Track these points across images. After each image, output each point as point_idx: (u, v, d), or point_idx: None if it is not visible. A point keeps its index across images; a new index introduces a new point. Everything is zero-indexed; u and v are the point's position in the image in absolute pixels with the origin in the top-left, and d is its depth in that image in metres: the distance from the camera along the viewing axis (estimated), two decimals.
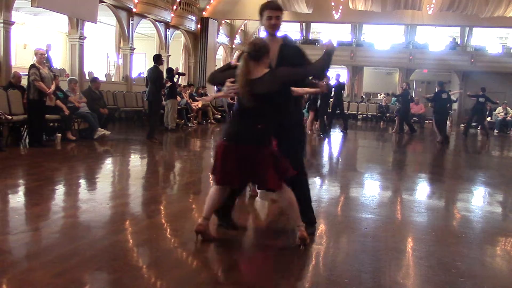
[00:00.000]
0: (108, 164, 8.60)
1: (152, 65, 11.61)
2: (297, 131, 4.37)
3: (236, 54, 4.90)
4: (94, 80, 12.34)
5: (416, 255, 4.27)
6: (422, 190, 7.40)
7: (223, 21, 24.55)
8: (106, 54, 24.21)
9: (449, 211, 5.73)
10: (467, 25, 25.97)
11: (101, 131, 10.88)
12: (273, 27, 4.20)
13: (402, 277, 3.72)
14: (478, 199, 6.95)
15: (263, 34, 31.10)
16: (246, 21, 26.78)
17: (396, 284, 3.52)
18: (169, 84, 13.39)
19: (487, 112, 22.24)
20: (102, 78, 18.34)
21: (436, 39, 27.93)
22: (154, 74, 11.41)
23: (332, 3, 21.14)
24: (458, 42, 27.60)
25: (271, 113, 3.92)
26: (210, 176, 4.06)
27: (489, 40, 28.14)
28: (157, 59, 11.74)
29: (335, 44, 4.19)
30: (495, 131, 21.29)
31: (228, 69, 4.17)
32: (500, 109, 22.08)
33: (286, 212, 4.03)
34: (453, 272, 3.85)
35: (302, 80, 4.48)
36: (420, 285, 3.60)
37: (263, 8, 4.19)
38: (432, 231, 4.94)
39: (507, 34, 28.75)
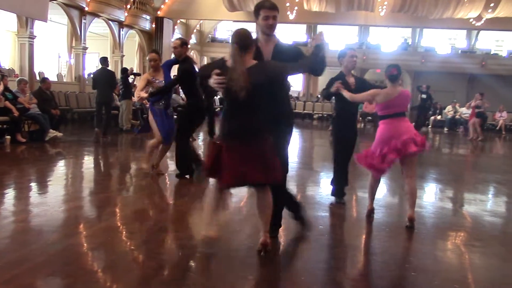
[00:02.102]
0: (60, 167, 8.38)
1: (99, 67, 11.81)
2: (286, 125, 4.22)
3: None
4: (44, 80, 12.03)
5: (371, 252, 4.37)
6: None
7: (178, 21, 24.35)
8: (57, 53, 23.58)
9: (402, 207, 5.87)
10: (417, 26, 26.69)
11: (52, 133, 10.60)
12: (270, 28, 4.05)
13: (357, 273, 3.80)
14: (430, 195, 7.16)
15: (219, 34, 30.96)
16: (201, 21, 26.65)
17: (351, 281, 3.59)
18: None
19: (436, 111, 23.06)
20: (53, 78, 17.88)
21: (389, 39, 28.59)
22: (103, 76, 11.74)
23: (287, 4, 21.30)
24: (410, 43, 28.35)
25: (263, 104, 3.81)
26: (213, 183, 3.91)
27: (439, 41, 29.02)
28: (104, 61, 12.07)
29: (325, 39, 4.17)
30: (445, 129, 22.02)
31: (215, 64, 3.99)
32: (449, 107, 22.80)
33: (258, 213, 3.89)
34: (406, 267, 3.96)
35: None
36: (374, 281, 3.68)
37: (259, 8, 4.04)
38: (386, 228, 5.05)
39: (455, 35, 29.73)
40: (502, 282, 3.79)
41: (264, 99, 3.81)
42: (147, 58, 7.25)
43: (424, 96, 19.14)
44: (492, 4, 20.21)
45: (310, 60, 4.08)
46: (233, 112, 3.82)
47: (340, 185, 5.89)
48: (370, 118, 22.44)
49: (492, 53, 27.56)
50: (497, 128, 23.06)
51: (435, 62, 25.88)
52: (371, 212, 5.32)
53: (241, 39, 3.74)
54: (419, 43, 28.77)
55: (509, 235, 5.28)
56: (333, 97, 5.78)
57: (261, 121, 3.79)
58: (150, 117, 7.04)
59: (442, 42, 29.03)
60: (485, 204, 6.78)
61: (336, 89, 5.38)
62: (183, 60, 6.84)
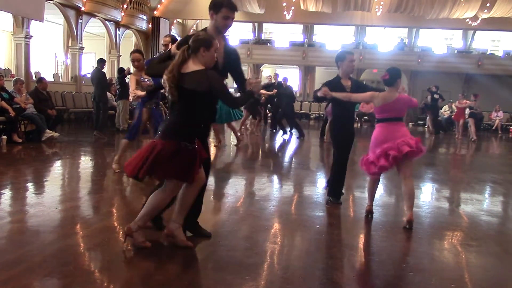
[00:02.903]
0: (57, 167, 8.36)
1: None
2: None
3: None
4: (40, 80, 12.01)
5: (368, 251, 4.37)
6: None
7: (175, 21, 24.33)
8: (54, 53, 23.53)
9: (398, 207, 5.88)
10: (414, 26, 26.75)
11: (49, 133, 10.58)
12: (227, 28, 4.09)
13: (354, 273, 3.80)
14: (426, 195, 7.17)
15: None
16: (198, 21, 26.61)
17: (349, 280, 3.60)
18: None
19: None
20: (50, 78, 17.83)
21: (385, 39, 28.62)
22: (96, 76, 12.34)
23: (284, 4, 21.34)
24: (406, 43, 28.40)
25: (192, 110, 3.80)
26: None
27: (435, 41, 29.07)
28: (99, 62, 12.53)
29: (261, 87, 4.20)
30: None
31: (168, 58, 3.99)
32: (446, 107, 22.85)
33: (178, 202, 3.91)
34: (402, 266, 3.96)
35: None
36: (372, 281, 3.69)
37: (220, 5, 3.98)
38: (383, 227, 5.06)
39: (452, 35, 29.78)
40: (499, 281, 3.80)
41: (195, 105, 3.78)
42: (130, 58, 7.25)
43: (436, 96, 19.15)
44: (488, 4, 20.28)
45: (239, 101, 4.37)
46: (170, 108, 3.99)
47: (339, 186, 5.88)
48: (367, 118, 22.46)
49: (488, 53, 27.64)
50: (493, 128, 23.15)
51: (432, 62, 25.91)
52: (369, 212, 5.32)
53: (192, 41, 3.75)
54: (415, 43, 28.82)
55: (505, 235, 5.29)
56: (325, 100, 5.80)
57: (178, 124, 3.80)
58: (145, 117, 7.07)
59: (438, 42, 29.08)
60: (482, 204, 6.79)
61: (323, 94, 5.39)
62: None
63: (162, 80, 3.80)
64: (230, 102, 4.18)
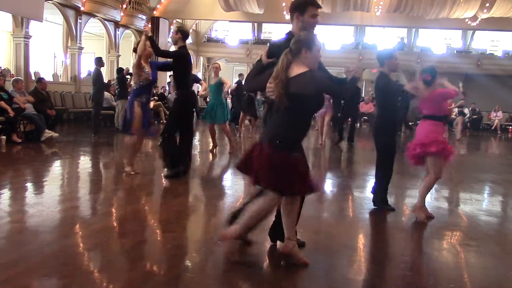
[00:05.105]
0: (56, 167, 8.36)
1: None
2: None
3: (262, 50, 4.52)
4: (40, 80, 12.01)
5: (366, 251, 4.38)
6: (371, 187, 7.55)
7: (174, 21, 24.31)
8: (53, 53, 23.52)
9: (397, 207, 5.88)
10: (413, 26, 26.76)
11: (48, 133, 10.57)
12: (315, 26, 3.92)
13: (353, 273, 3.80)
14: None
15: (215, 34, 30.87)
16: (197, 21, 26.61)
17: (348, 280, 3.60)
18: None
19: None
20: (49, 78, 17.83)
21: (385, 39, 28.63)
22: (93, 76, 12.51)
23: (283, 4, 21.31)
24: (406, 43, 28.41)
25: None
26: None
27: (435, 41, 29.09)
28: (98, 61, 12.56)
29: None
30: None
31: (264, 69, 3.73)
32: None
33: (284, 218, 3.70)
34: (401, 266, 3.97)
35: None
36: (370, 280, 3.69)
37: (305, 5, 3.85)
38: (382, 227, 5.06)
39: (451, 35, 29.80)
40: (498, 281, 3.80)
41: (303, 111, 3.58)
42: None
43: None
44: (487, 4, 20.27)
45: (348, 89, 3.93)
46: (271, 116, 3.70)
47: (385, 192, 5.76)
48: (365, 118, 22.48)
49: (487, 53, 27.67)
50: (493, 128, 23.17)
51: (431, 62, 25.79)
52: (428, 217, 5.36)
53: (292, 43, 3.55)
54: (415, 43, 28.84)
55: (504, 235, 5.30)
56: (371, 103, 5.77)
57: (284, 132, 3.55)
58: (138, 110, 6.90)
59: (437, 42, 29.10)
60: (481, 204, 6.81)
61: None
62: (179, 48, 6.94)
63: (267, 90, 3.56)
64: (344, 93, 4.20)
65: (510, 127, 24.20)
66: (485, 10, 20.58)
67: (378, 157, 5.79)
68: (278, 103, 3.51)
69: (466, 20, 21.71)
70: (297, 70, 3.49)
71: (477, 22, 21.65)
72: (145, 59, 6.85)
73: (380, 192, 5.73)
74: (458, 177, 9.25)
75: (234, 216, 4.04)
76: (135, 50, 6.98)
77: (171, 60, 7.15)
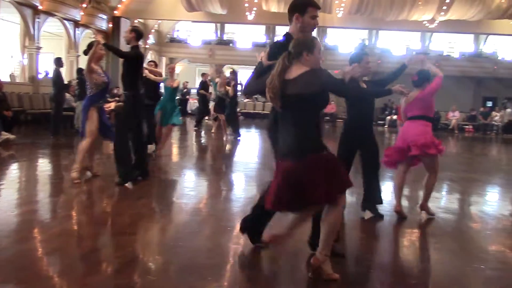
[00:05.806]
0: (13, 170, 8.12)
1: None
2: None
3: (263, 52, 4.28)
4: None
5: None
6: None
7: (136, 20, 24.00)
8: (10, 53, 22.86)
9: (354, 207, 5.95)
10: (374, 28, 27.22)
11: (5, 135, 10.27)
12: (314, 27, 3.86)
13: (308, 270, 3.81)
14: (385, 194, 7.27)
15: (177, 34, 30.57)
16: (159, 21, 26.34)
17: (311, 279, 3.61)
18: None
19: (392, 110, 23.61)
20: (5, 78, 17.32)
21: (346, 41, 29.01)
22: (53, 77, 12.57)
23: (246, 4, 21.33)
24: (366, 44, 28.87)
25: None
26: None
27: (395, 43, 29.68)
28: (57, 62, 12.55)
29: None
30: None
31: (265, 72, 3.62)
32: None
33: (324, 229, 3.49)
34: (364, 264, 4.02)
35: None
36: (341, 278, 3.71)
37: (306, 6, 3.79)
38: (345, 227, 5.12)
39: (410, 37, 30.46)
40: (456, 275, 3.89)
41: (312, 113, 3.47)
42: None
43: None
44: (444, 7, 20.81)
45: (355, 88, 3.99)
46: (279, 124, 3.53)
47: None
48: (328, 118, 22.75)
49: (445, 54, 28.41)
50: (450, 127, 23.83)
51: (391, 63, 26.36)
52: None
53: (292, 46, 3.46)
54: (375, 44, 29.35)
55: (461, 231, 5.43)
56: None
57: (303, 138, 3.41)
58: (95, 115, 6.75)
59: (397, 44, 29.69)
60: (439, 201, 6.96)
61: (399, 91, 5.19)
62: (132, 47, 6.83)
63: (266, 94, 3.43)
64: (354, 93, 4.17)
65: (467, 127, 24.95)
66: (442, 13, 21.13)
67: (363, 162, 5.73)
68: (274, 106, 3.47)
69: (425, 22, 22.24)
70: (297, 71, 3.42)
71: (435, 24, 22.20)
72: (96, 62, 6.74)
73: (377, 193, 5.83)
74: (417, 176, 9.44)
75: (246, 221, 4.13)
76: (85, 52, 6.80)
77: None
